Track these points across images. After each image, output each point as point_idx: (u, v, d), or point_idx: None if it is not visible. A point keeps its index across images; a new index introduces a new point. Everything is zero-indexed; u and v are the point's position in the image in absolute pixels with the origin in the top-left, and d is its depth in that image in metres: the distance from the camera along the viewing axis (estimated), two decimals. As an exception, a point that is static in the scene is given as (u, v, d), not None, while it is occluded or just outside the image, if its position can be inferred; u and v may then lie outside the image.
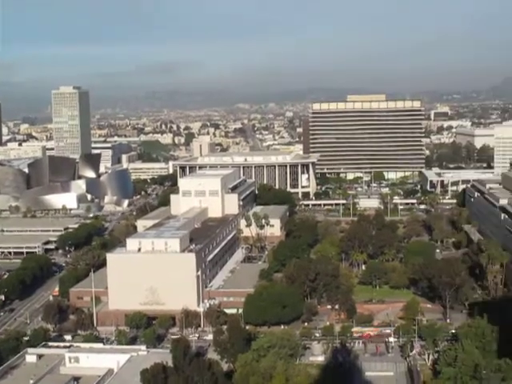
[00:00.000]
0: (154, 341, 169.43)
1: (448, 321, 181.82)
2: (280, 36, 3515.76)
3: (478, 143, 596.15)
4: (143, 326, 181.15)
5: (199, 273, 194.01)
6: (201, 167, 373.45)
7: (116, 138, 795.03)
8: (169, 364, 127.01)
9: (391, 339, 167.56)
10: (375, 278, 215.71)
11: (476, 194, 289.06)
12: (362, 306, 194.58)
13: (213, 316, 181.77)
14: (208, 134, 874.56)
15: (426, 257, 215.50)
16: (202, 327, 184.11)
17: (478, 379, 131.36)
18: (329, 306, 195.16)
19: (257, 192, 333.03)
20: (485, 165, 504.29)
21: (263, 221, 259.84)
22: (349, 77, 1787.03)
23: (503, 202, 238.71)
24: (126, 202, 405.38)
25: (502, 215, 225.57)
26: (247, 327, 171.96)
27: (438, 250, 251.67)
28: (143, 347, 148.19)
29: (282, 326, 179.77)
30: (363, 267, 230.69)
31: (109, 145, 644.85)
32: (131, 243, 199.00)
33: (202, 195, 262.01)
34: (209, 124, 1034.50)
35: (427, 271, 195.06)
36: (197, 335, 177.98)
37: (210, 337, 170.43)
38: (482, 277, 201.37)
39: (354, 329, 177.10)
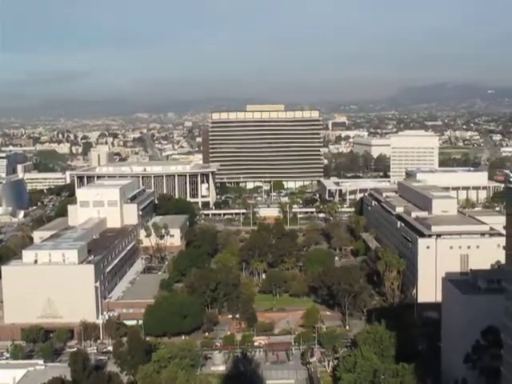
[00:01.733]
0: (51, 355, 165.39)
1: (347, 327, 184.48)
2: (178, 47, 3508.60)
3: (375, 153, 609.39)
4: (40, 340, 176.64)
5: (98, 284, 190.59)
6: (99, 177, 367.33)
7: (11, 148, 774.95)
8: (67, 378, 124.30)
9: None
10: (275, 287, 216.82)
11: (373, 202, 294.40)
12: (262, 314, 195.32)
13: (112, 328, 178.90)
14: (106, 143, 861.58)
15: (325, 265, 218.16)
16: (102, 339, 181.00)
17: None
18: (229, 316, 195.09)
19: (156, 202, 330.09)
20: (381, 174, 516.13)
21: (163, 231, 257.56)
22: (248, 87, 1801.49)
23: (399, 209, 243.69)
24: (21, 213, 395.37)
25: (398, 223, 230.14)
26: (147, 338, 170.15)
27: (336, 258, 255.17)
28: (40, 362, 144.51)
29: (183, 337, 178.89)
30: (263, 276, 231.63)
31: (3, 154, 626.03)
32: (27, 255, 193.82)
33: (101, 205, 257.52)
34: (107, 133, 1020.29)
35: (326, 279, 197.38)
36: (96, 348, 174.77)
37: (110, 349, 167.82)
38: (380, 283, 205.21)
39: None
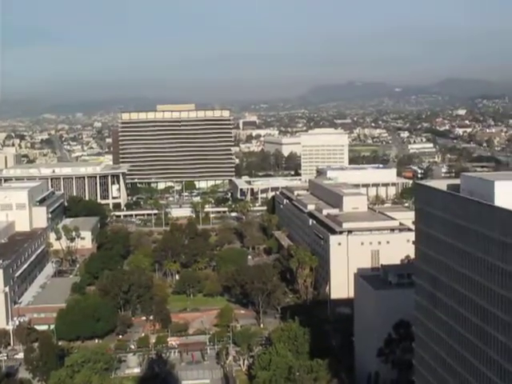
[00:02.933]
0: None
1: (261, 325, 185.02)
2: (87, 47, 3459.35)
3: (286, 151, 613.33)
4: None
5: (7, 289, 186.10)
6: (6, 180, 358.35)
7: None
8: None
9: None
10: (189, 287, 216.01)
11: (285, 200, 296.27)
12: (176, 315, 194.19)
13: (23, 333, 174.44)
14: (13, 145, 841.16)
15: (239, 264, 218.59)
16: (12, 346, 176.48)
17: (292, 381, 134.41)
18: (143, 317, 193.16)
19: (66, 204, 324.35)
20: (292, 172, 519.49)
21: (73, 233, 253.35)
22: (158, 87, 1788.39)
23: (311, 207, 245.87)
24: None
25: (310, 221, 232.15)
26: (60, 343, 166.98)
27: (249, 257, 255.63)
28: None
29: (97, 340, 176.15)
30: (177, 276, 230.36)
31: None
32: None
33: (9, 209, 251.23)
34: (14, 135, 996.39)
35: (240, 278, 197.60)
36: (6, 355, 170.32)
37: (21, 355, 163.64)
38: (293, 281, 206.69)
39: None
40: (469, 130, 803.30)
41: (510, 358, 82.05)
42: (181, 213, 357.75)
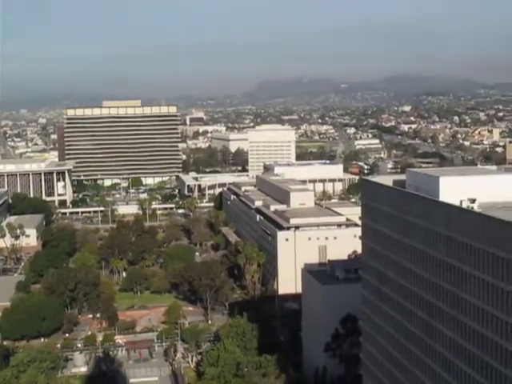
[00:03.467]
0: None
1: (209, 322, 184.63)
2: (31, 40, 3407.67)
3: (233, 147, 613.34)
4: None
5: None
6: None
7: None
8: None
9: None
10: (136, 284, 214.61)
11: (232, 196, 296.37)
12: (124, 313, 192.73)
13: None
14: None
15: (186, 260, 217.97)
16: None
17: (240, 377, 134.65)
18: (90, 315, 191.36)
19: (10, 201, 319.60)
20: (240, 168, 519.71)
21: (18, 231, 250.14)
22: (104, 83, 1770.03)
23: (258, 203, 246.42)
24: None
25: (258, 216, 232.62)
26: (5, 343, 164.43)
27: (197, 253, 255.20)
28: None
29: (42, 339, 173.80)
30: (124, 274, 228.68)
31: None
32: None
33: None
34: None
35: (187, 274, 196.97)
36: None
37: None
38: (241, 277, 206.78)
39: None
40: (414, 126, 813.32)
41: (455, 351, 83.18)
42: (127, 210, 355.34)
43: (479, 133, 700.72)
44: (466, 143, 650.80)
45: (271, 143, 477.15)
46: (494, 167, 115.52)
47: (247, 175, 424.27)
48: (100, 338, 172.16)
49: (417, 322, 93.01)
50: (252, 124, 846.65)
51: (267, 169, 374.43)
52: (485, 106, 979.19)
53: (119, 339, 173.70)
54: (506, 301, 71.35)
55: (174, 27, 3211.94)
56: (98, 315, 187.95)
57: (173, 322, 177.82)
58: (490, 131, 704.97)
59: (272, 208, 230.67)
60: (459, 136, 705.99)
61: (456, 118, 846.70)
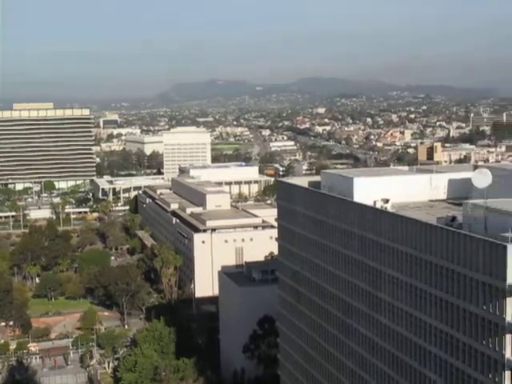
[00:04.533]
0: None
1: (126, 327, 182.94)
2: None
3: (148, 150, 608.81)
4: None
5: None
6: None
7: None
8: None
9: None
10: (50, 290, 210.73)
11: (148, 199, 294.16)
12: (37, 319, 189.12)
13: None
14: None
15: (101, 265, 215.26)
16: None
17: (158, 381, 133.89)
18: (2, 323, 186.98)
19: None
20: (155, 171, 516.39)
21: None
22: (14, 85, 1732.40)
23: (174, 206, 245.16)
24: None
25: (174, 219, 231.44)
26: None
27: (112, 258, 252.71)
28: None
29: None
30: (37, 280, 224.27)
31: None
32: None
33: None
34: None
35: (103, 279, 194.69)
36: None
37: None
38: (158, 280, 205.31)
39: None
40: (328, 127, 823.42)
41: (371, 349, 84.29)
42: (40, 214, 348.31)
43: (391, 134, 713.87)
44: (379, 144, 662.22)
45: (186, 145, 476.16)
46: (406, 168, 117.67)
47: (163, 178, 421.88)
48: (13, 346, 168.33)
49: (333, 321, 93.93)
50: (167, 126, 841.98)
51: (183, 171, 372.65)
52: (397, 107, 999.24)
53: (33, 347, 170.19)
54: (419, 298, 72.64)
55: (83, 28, 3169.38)
56: (11, 323, 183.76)
57: (88, 328, 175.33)
58: (402, 133, 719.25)
59: (188, 211, 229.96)
60: (372, 137, 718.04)
61: (369, 119, 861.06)
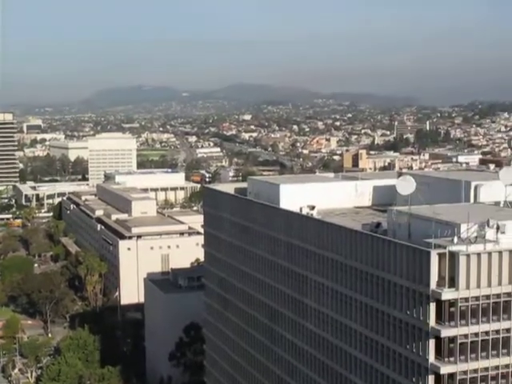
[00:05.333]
0: None
1: (50, 335, 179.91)
2: None
3: (73, 156, 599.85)
4: None
5: None
6: None
7: None
8: None
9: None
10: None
11: (72, 206, 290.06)
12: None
13: None
14: None
15: (24, 272, 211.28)
16: None
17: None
18: None
19: None
20: (80, 177, 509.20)
21: None
22: None
23: (99, 213, 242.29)
24: None
25: (99, 226, 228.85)
26: None
27: (36, 265, 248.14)
28: None
29: None
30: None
31: None
32: None
33: None
34: None
35: (26, 287, 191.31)
36: None
37: None
38: (82, 288, 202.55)
39: None
40: (255, 134, 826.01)
41: (298, 356, 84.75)
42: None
43: (317, 141, 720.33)
44: (305, 151, 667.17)
45: (112, 151, 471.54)
46: (332, 175, 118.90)
47: (87, 184, 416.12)
48: None
49: (260, 327, 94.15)
50: (92, 132, 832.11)
51: (108, 177, 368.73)
52: (322, 115, 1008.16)
53: None
54: (344, 304, 73.37)
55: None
56: None
57: (11, 337, 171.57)
58: (328, 140, 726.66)
59: (113, 217, 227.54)
60: (298, 144, 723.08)
61: (295, 126, 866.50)
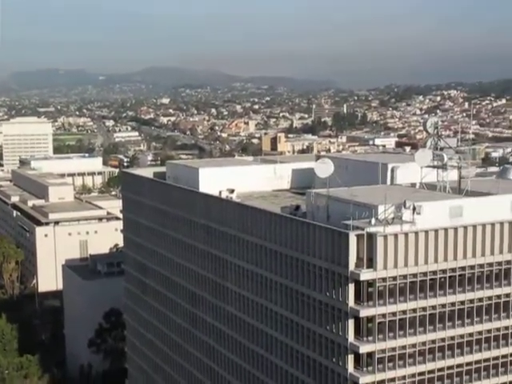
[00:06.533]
0: None
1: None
2: None
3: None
4: None
5: None
6: None
7: None
8: None
9: None
10: None
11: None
12: None
13: None
14: None
15: None
16: None
17: (1, 380, 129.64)
18: None
19: None
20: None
21: None
22: None
23: (15, 199, 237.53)
24: None
25: (14, 212, 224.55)
26: None
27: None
28: None
29: None
30: None
31: None
32: None
33: None
34: None
35: None
36: None
37: None
38: None
39: None
40: (173, 118, 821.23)
41: (218, 338, 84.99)
42: None
43: (236, 125, 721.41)
44: (224, 135, 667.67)
45: (27, 136, 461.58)
46: (251, 158, 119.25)
47: (2, 170, 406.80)
48: None
49: (180, 312, 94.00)
50: (6, 117, 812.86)
51: (23, 163, 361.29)
52: (241, 98, 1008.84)
53: None
54: (264, 287, 73.79)
55: None
56: None
57: None
58: (247, 123, 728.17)
59: (29, 203, 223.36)
60: (217, 128, 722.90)
61: (213, 110, 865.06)
